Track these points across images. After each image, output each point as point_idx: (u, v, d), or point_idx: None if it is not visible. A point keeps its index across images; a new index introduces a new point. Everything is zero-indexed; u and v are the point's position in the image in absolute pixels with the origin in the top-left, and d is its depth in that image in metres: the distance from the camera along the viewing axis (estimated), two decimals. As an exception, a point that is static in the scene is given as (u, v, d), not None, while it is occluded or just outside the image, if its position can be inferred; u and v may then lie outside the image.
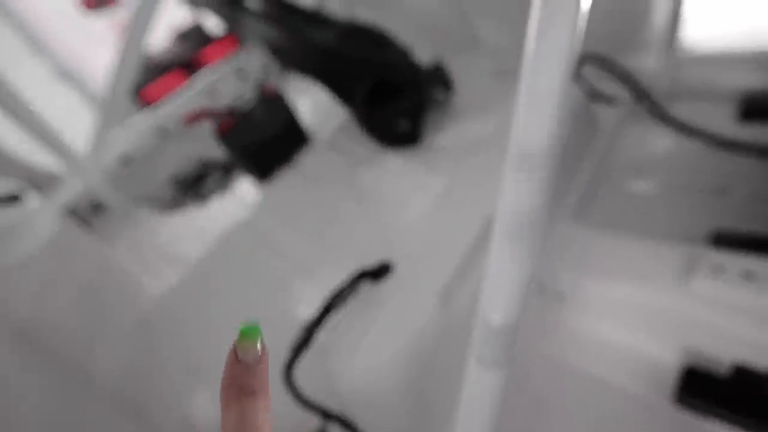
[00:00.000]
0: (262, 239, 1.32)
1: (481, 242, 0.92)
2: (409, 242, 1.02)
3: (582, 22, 0.34)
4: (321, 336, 0.89)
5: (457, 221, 1.00)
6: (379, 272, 0.95)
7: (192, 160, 1.55)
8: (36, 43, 2.67)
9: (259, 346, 0.28)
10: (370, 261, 0.94)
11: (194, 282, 1.28)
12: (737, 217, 0.94)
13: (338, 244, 1.16)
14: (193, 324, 1.20)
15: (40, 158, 1.46)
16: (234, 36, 1.95)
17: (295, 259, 1.22)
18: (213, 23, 2.11)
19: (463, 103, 1.39)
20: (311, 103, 1.66)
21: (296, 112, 1.51)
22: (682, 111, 1.06)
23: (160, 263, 1.38)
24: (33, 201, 1.30)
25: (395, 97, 1.27)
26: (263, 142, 1.44)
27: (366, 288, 0.94)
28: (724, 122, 1.04)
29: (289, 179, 1.44)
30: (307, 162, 1.47)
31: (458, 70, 1.39)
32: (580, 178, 1.06)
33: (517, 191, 0.43)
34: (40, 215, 1.20)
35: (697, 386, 0.78)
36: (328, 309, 0.86)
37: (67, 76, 2.78)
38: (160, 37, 2.15)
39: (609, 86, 1.15)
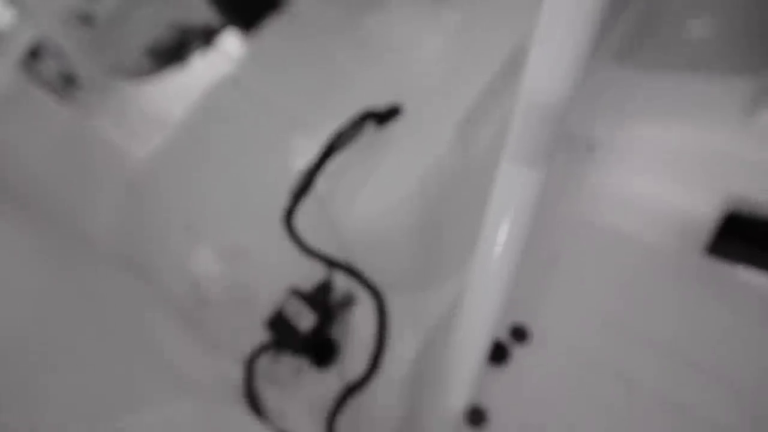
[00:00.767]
0: (252, 95, 1.20)
1: (503, 78, 0.81)
2: (420, 85, 0.90)
3: None
4: (323, 183, 0.81)
5: (474, 59, 0.87)
6: (387, 115, 0.84)
7: (168, 27, 1.37)
8: None
9: None
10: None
11: (182, 143, 1.18)
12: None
13: (338, 95, 1.04)
14: (185, 184, 1.12)
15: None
16: None
17: (289, 115, 1.11)
18: None
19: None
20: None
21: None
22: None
23: (143, 127, 1.27)
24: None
25: None
26: (246, -17, 1.26)
27: (372, 133, 0.85)
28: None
29: (278, 28, 1.27)
30: (298, 6, 1.29)
31: None
32: (627, 17, 0.92)
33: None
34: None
35: (736, 232, 0.73)
36: (329, 151, 0.77)
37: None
38: None
39: None
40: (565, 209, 0.91)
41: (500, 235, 0.47)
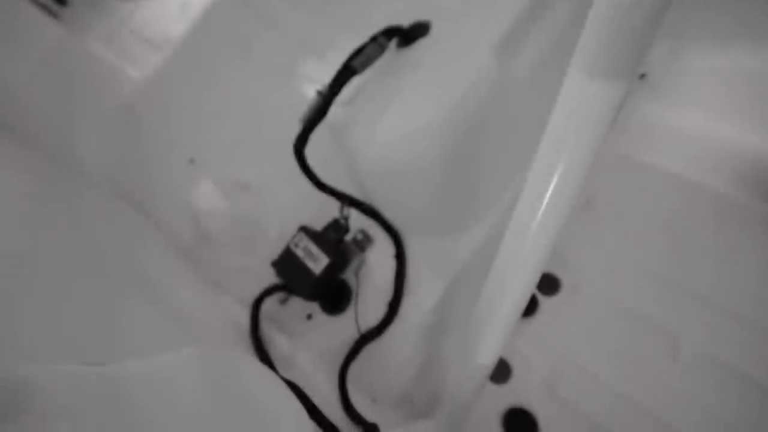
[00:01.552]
0: (255, 13, 1.08)
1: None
2: (450, 4, 0.78)
3: None
4: (338, 110, 0.71)
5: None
6: (412, 32, 0.74)
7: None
8: None
9: None
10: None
11: (183, 66, 1.08)
12: None
13: (356, 12, 0.92)
14: (186, 110, 1.03)
15: None
16: None
17: (302, 34, 1.00)
18: None
19: None
20: None
21: None
22: None
23: (139, 47, 1.16)
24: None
25: None
26: None
27: (395, 54, 0.74)
28: None
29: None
30: None
31: None
32: None
33: None
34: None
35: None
36: (346, 74, 0.66)
37: None
38: None
39: None
40: (608, 149, 0.81)
41: (560, 166, 0.39)
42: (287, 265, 0.74)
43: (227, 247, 0.86)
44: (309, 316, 0.79)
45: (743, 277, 0.74)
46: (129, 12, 1.25)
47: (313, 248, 0.73)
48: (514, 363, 0.77)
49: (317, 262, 0.72)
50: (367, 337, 0.72)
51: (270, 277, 0.77)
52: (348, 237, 0.78)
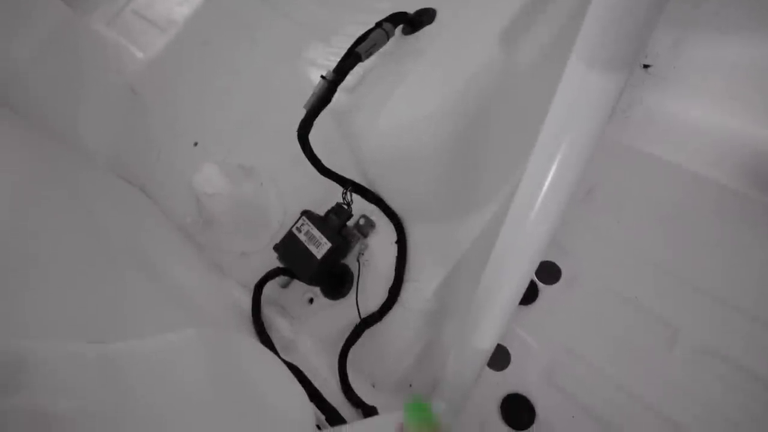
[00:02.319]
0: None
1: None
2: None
3: None
4: (342, 96, 0.71)
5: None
6: (418, 19, 0.73)
7: None
8: None
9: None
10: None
11: (186, 47, 1.08)
12: None
13: (359, 0, 0.91)
14: (190, 93, 1.03)
15: None
16: None
17: (303, 20, 0.99)
18: None
19: None
20: None
21: None
22: None
23: (142, 28, 1.16)
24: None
25: None
26: None
27: (400, 41, 0.74)
28: None
29: None
30: None
31: None
32: None
33: None
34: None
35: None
36: (351, 60, 0.66)
37: None
38: None
39: None
40: (604, 133, 0.81)
41: (559, 155, 0.39)
42: (289, 249, 0.74)
43: (230, 230, 0.87)
44: (310, 300, 0.80)
45: (744, 268, 0.74)
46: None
47: (316, 233, 0.73)
48: (514, 350, 0.78)
49: (319, 246, 0.72)
50: (368, 322, 0.73)
51: (272, 261, 0.78)
52: (350, 222, 0.78)
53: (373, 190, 0.78)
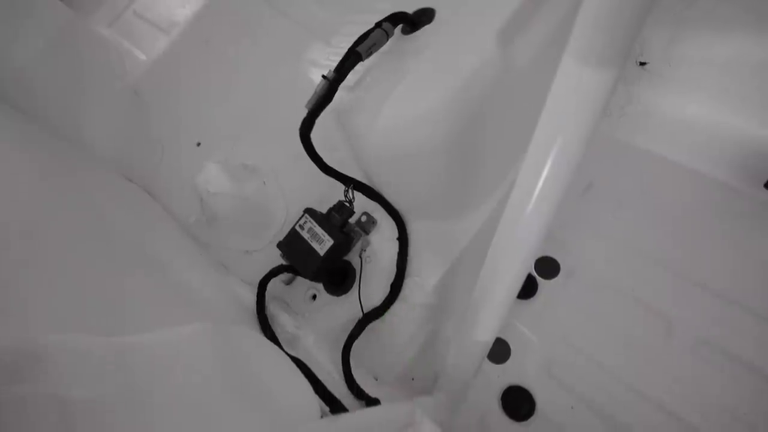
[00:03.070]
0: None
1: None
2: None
3: None
4: (343, 95, 0.73)
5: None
6: (417, 18, 0.74)
7: None
8: None
9: None
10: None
11: (187, 48, 1.09)
12: None
13: (359, 1, 0.93)
14: (192, 94, 1.04)
15: None
16: None
17: (304, 20, 1.00)
18: None
19: None
20: None
21: None
22: None
23: (144, 29, 1.17)
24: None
25: None
26: None
27: (400, 40, 0.75)
28: None
29: None
30: None
31: None
32: None
33: None
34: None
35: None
36: (351, 59, 0.68)
37: None
38: None
39: None
40: (602, 130, 0.82)
41: (553, 151, 0.40)
42: (293, 246, 0.76)
43: (233, 229, 0.88)
44: (314, 297, 0.81)
45: (741, 263, 0.76)
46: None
47: (318, 230, 0.74)
48: (513, 343, 0.80)
49: (322, 243, 0.73)
50: (370, 317, 0.74)
51: (276, 259, 0.79)
52: (352, 219, 0.79)
53: (374, 188, 0.79)
